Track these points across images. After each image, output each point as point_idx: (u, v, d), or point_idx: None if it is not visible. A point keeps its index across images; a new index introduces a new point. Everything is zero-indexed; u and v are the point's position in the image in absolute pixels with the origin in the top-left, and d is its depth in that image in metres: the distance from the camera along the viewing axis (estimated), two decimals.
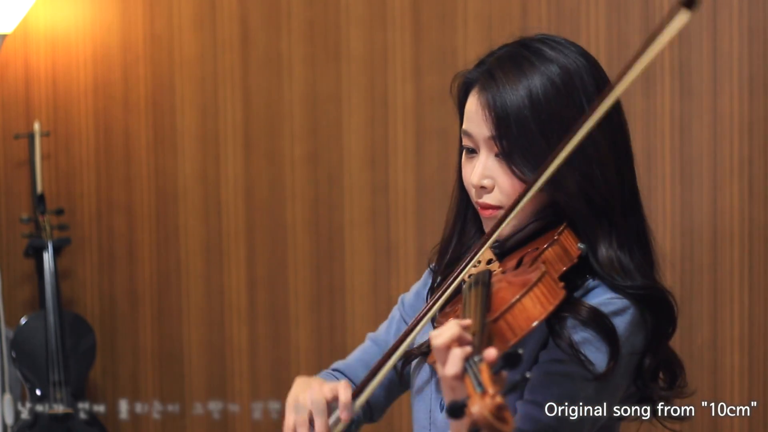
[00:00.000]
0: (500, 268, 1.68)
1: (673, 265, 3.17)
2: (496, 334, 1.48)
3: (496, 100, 1.71)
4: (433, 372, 1.81)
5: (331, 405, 1.69)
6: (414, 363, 1.88)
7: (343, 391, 1.68)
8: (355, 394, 1.70)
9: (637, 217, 1.78)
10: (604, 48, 3.22)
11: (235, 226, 3.77)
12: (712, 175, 3.14)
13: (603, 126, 1.72)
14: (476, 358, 1.38)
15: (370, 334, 2.03)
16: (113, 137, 3.94)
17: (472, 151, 1.77)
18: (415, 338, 1.91)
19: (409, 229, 3.53)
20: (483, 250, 1.66)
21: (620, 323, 1.68)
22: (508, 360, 1.34)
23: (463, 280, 1.67)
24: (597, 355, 1.65)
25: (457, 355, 1.41)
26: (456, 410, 1.31)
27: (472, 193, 1.78)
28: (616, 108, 1.77)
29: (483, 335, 1.44)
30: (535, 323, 1.49)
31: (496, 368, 1.35)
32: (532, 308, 1.50)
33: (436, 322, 1.72)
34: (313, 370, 3.68)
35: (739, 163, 3.11)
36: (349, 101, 3.59)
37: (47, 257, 3.88)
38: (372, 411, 1.98)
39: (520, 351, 1.34)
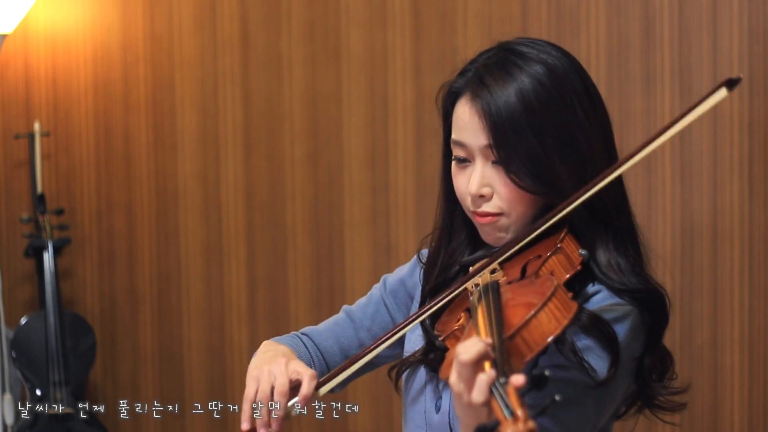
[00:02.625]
0: (505, 278, 1.65)
1: (673, 264, 3.17)
2: (512, 351, 1.45)
3: (491, 108, 1.69)
4: (429, 377, 1.81)
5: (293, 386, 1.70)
6: (408, 371, 1.87)
7: (307, 383, 1.68)
8: (320, 384, 1.70)
9: (627, 215, 1.77)
10: (604, 48, 3.22)
11: (235, 226, 3.77)
12: (712, 175, 3.14)
13: (595, 127, 1.72)
14: (502, 380, 1.35)
15: (345, 307, 2.01)
16: (113, 137, 3.94)
17: (465, 161, 1.75)
18: (406, 340, 1.91)
19: (409, 229, 3.53)
20: (492, 265, 1.64)
21: (621, 330, 1.68)
22: (536, 382, 1.33)
23: (469, 291, 1.65)
24: (599, 362, 1.65)
25: (483, 381, 1.38)
26: None
27: (467, 202, 1.75)
28: (602, 106, 1.76)
29: (503, 355, 1.41)
30: (550, 338, 1.47)
31: (522, 390, 1.33)
32: (547, 323, 1.48)
33: (436, 330, 1.72)
34: None
35: (739, 163, 3.11)
36: (349, 101, 3.59)
37: (47, 257, 3.88)
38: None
39: (547, 373, 1.33)
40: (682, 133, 3.17)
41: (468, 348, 1.40)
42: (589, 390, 1.64)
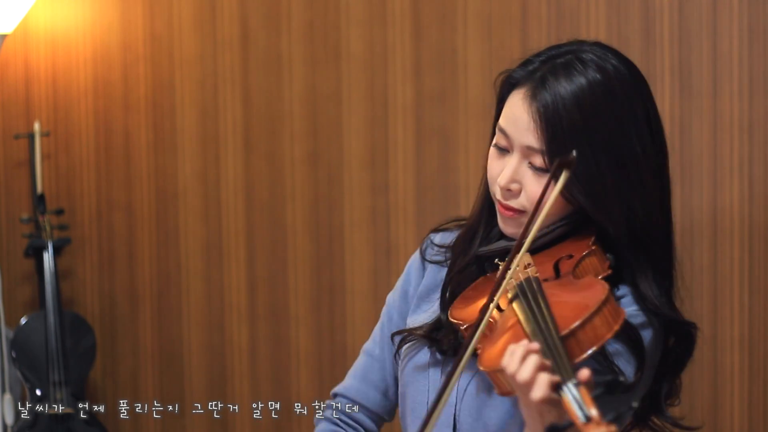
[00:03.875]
0: (538, 274, 1.65)
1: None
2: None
3: (549, 115, 1.67)
4: (432, 360, 1.79)
5: None
6: (409, 344, 1.86)
7: None
8: None
9: (669, 248, 1.80)
10: None
11: (235, 226, 3.77)
12: (712, 175, 3.14)
13: (649, 157, 1.72)
14: (573, 382, 1.37)
15: (365, 347, 2.00)
16: (113, 137, 3.94)
17: (504, 150, 1.75)
18: (409, 320, 1.91)
19: (409, 229, 3.53)
20: (519, 257, 1.63)
21: (646, 336, 1.69)
22: (609, 387, 1.36)
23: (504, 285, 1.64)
24: (627, 367, 1.66)
25: (544, 380, 1.41)
26: None
27: (495, 189, 1.76)
28: (661, 141, 1.76)
29: (564, 356, 1.43)
30: (602, 342, 1.49)
31: (594, 393, 1.35)
32: (600, 327, 1.50)
33: (452, 317, 1.72)
34: (313, 370, 3.68)
35: (739, 163, 3.11)
36: (349, 101, 3.59)
37: (47, 257, 3.87)
38: (384, 416, 1.98)
39: (622, 378, 1.35)
40: (682, 133, 3.18)
41: (522, 369, 1.44)
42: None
